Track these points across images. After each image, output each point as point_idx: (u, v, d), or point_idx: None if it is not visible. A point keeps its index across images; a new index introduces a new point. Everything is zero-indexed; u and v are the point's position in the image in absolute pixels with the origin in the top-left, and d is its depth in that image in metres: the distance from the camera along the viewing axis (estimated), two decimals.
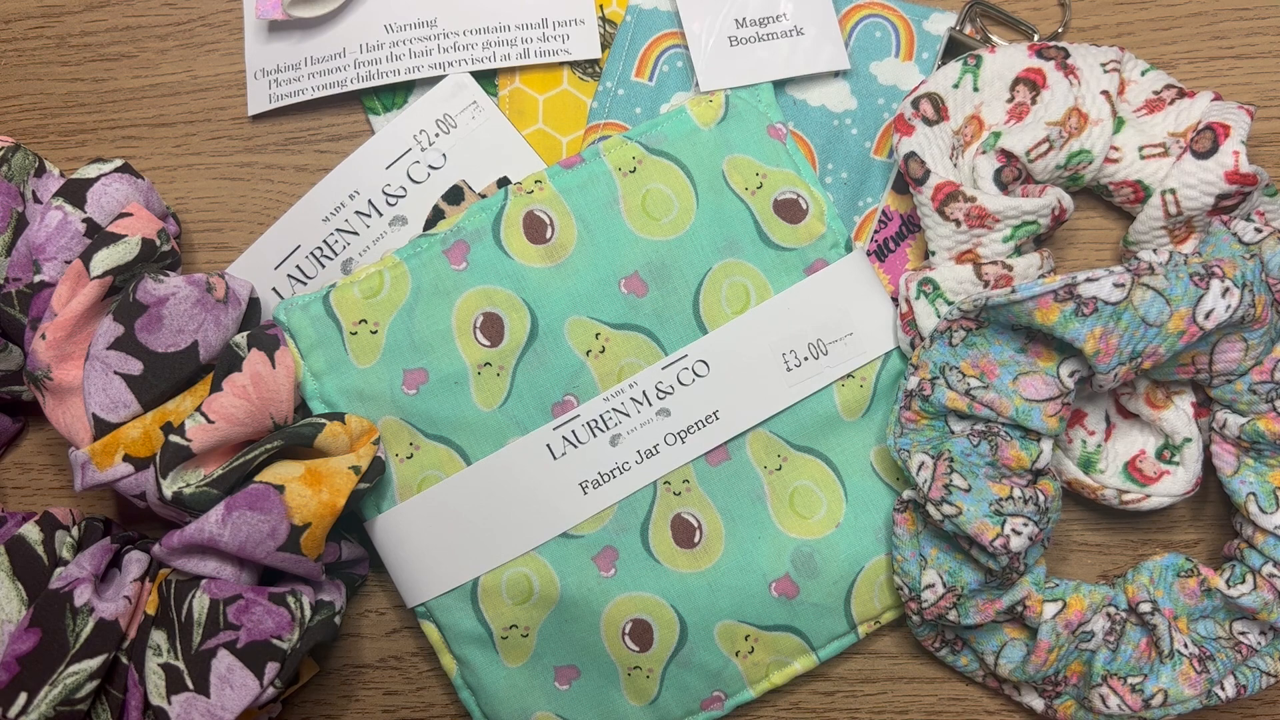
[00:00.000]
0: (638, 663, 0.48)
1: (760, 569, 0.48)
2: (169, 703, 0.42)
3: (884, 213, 0.51)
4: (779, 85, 0.51)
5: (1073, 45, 0.48)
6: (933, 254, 0.48)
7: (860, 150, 0.51)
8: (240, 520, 0.43)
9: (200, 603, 0.43)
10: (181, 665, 0.42)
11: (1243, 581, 0.45)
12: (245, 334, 0.46)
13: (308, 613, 0.44)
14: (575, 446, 0.47)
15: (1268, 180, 0.46)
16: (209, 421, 0.44)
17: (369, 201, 0.51)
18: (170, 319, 0.45)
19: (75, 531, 0.46)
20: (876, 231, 0.51)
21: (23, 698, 0.41)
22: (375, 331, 0.48)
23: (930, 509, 0.44)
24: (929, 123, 0.48)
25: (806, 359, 0.48)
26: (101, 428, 0.44)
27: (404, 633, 0.51)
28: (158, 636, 0.43)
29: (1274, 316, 0.44)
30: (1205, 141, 0.46)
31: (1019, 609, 0.46)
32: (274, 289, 0.51)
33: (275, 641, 0.43)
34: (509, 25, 0.52)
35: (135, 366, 0.44)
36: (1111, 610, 0.46)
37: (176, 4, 0.55)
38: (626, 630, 0.47)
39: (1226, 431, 0.46)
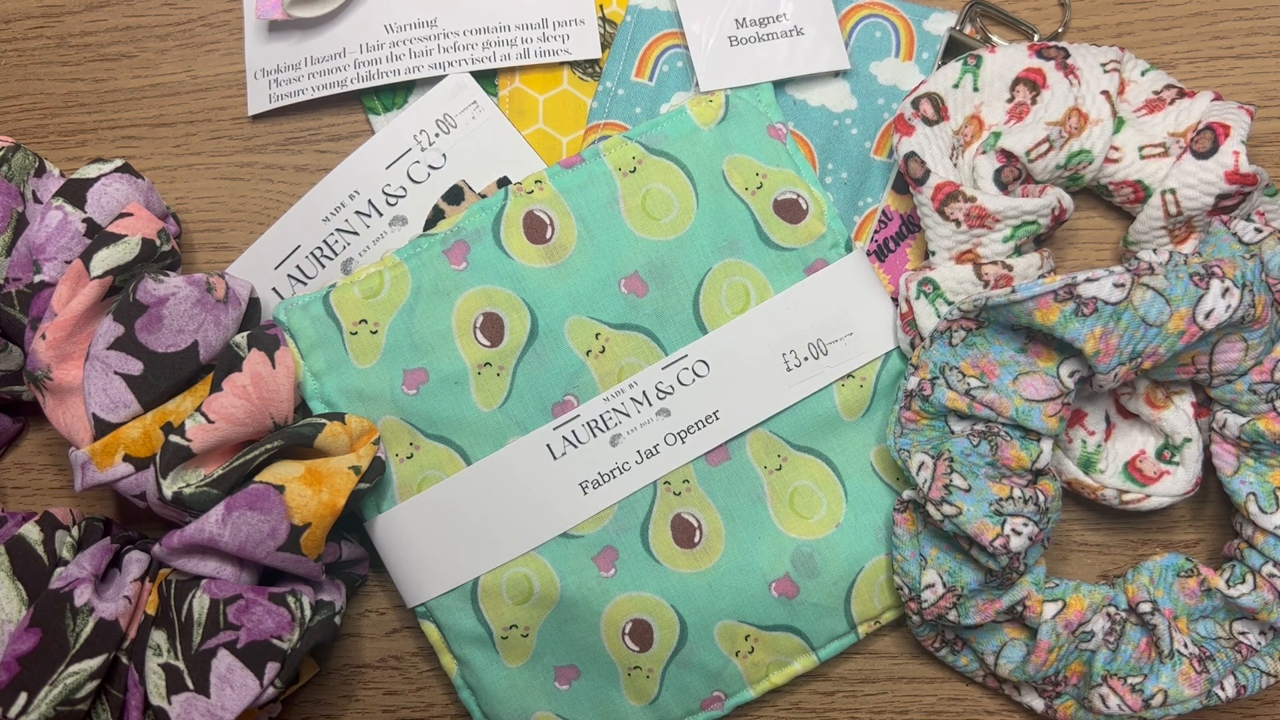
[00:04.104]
0: (638, 663, 0.48)
1: (760, 569, 0.48)
2: (169, 703, 0.42)
3: (884, 213, 0.51)
4: (779, 85, 0.51)
5: (1073, 45, 0.48)
6: (933, 254, 0.48)
7: (860, 150, 0.51)
8: (240, 520, 0.43)
9: (200, 603, 0.43)
10: (181, 665, 0.42)
11: (1243, 581, 0.45)
12: (245, 334, 0.46)
13: (308, 613, 0.44)
14: (575, 446, 0.47)
15: (1268, 180, 0.46)
16: (209, 421, 0.43)
17: (369, 201, 0.51)
18: (170, 319, 0.45)
19: (75, 531, 0.46)
20: (876, 231, 0.51)
21: (23, 698, 0.41)
22: (375, 331, 0.48)
23: (930, 509, 0.44)
24: (929, 123, 0.48)
25: (806, 359, 0.48)
26: (101, 428, 0.44)
27: (404, 633, 0.51)
28: (158, 636, 0.43)
29: (1274, 316, 0.44)
30: (1205, 141, 0.46)
31: (1019, 609, 0.45)
32: (274, 289, 0.51)
33: (275, 641, 0.43)
34: (509, 25, 0.52)
35: (135, 366, 0.44)
36: (1111, 610, 0.46)
37: (176, 4, 0.55)
38: (626, 630, 0.47)
39: (1226, 431, 0.46)
